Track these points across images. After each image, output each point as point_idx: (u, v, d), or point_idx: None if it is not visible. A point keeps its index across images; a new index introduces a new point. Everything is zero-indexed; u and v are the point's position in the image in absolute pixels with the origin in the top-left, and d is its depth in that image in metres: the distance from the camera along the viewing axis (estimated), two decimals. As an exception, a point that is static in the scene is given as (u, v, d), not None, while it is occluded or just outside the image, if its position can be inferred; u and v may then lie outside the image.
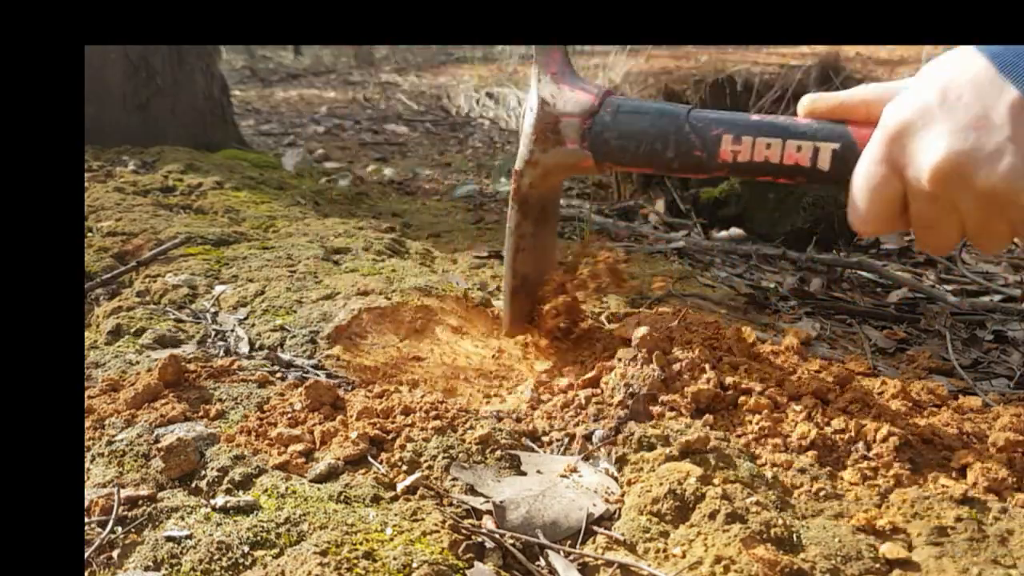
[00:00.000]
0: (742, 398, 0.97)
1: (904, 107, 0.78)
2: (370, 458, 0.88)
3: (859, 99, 0.87)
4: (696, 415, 0.95)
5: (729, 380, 0.99)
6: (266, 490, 0.82)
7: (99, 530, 0.77)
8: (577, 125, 1.00)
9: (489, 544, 0.76)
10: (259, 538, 0.74)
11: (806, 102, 0.91)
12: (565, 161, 1.03)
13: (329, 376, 1.12)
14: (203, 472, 0.86)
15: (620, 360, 1.02)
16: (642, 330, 1.03)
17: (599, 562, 0.74)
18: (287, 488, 0.82)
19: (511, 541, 0.77)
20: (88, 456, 0.89)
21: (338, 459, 0.87)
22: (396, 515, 0.78)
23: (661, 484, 0.81)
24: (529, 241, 1.10)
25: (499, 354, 1.24)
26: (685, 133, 0.94)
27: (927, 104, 0.75)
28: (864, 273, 2.04)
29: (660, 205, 2.62)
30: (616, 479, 0.87)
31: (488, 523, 0.80)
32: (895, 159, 0.78)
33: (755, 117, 0.93)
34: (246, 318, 1.32)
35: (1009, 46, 0.71)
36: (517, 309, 1.16)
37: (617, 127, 0.99)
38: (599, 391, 1.01)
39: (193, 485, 0.85)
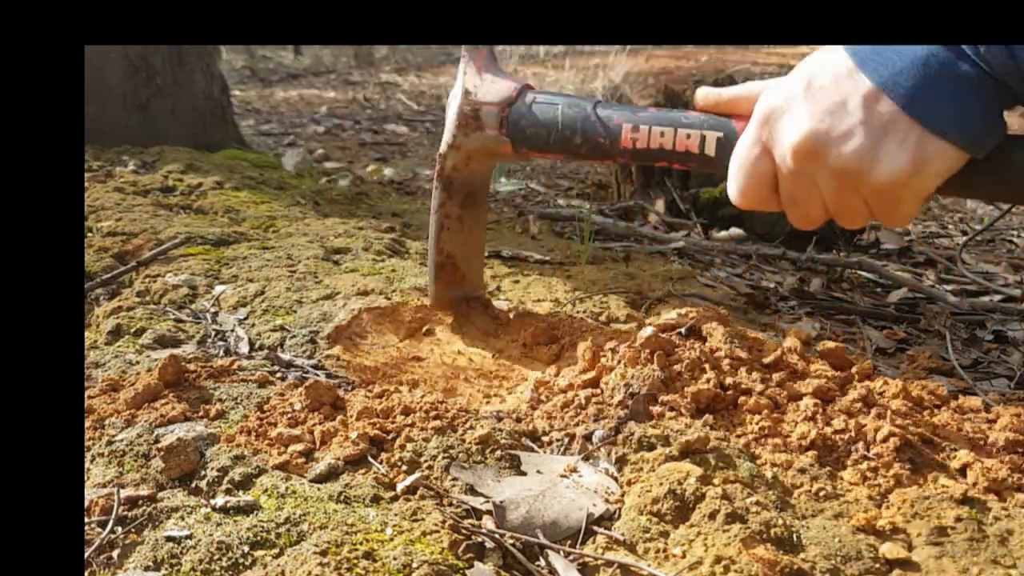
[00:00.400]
0: (742, 398, 0.97)
1: (775, 94, 0.88)
2: (370, 458, 0.88)
3: (742, 94, 0.97)
4: (696, 415, 0.95)
5: (729, 380, 0.99)
6: (266, 490, 0.82)
7: (99, 530, 0.77)
8: (496, 113, 1.10)
9: (489, 544, 0.76)
10: (259, 538, 0.74)
11: (699, 96, 1.01)
12: (485, 146, 1.12)
13: (329, 376, 1.12)
14: (203, 472, 0.86)
15: (620, 360, 1.02)
16: (647, 331, 1.03)
17: (599, 562, 0.74)
18: (287, 488, 0.82)
19: (511, 541, 0.77)
20: (88, 456, 0.89)
21: (338, 459, 0.87)
22: (396, 515, 0.78)
23: (661, 484, 0.81)
24: (454, 222, 1.18)
25: (499, 354, 1.24)
26: (591, 123, 1.05)
27: (793, 91, 0.85)
28: (864, 273, 2.04)
29: (660, 205, 2.62)
30: (616, 479, 0.87)
31: (488, 523, 0.80)
32: (765, 139, 0.88)
33: (652, 110, 1.04)
34: (246, 318, 1.32)
35: (869, 45, 0.80)
36: (442, 284, 1.23)
37: (532, 116, 1.09)
38: (599, 391, 1.01)
39: (193, 485, 0.85)
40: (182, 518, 0.78)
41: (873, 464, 0.87)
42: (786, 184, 0.88)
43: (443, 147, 1.15)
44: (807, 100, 0.83)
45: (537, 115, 1.09)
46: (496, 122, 1.10)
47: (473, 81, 1.13)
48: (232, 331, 1.27)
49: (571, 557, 0.76)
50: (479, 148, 1.13)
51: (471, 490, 0.84)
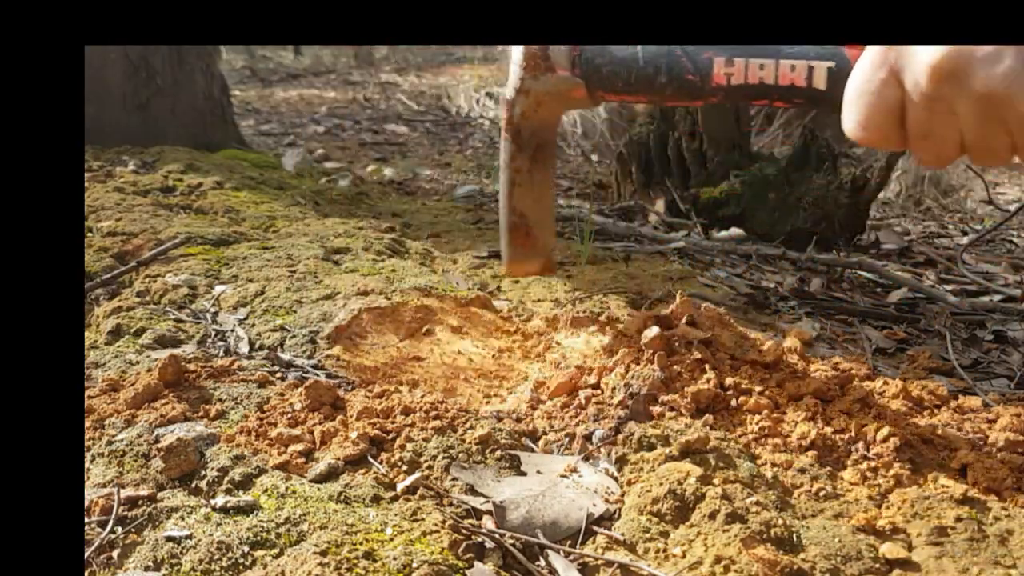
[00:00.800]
0: (742, 398, 0.97)
1: None
2: (370, 458, 0.88)
3: None
4: (696, 415, 0.95)
5: (729, 380, 0.99)
6: (266, 490, 0.82)
7: (99, 530, 0.77)
8: (567, 52, 0.99)
9: (489, 544, 0.76)
10: (259, 538, 0.74)
11: None
12: (556, 88, 1.01)
13: (329, 376, 1.12)
14: (203, 472, 0.86)
15: (622, 360, 1.02)
16: (653, 331, 1.03)
17: (599, 562, 0.74)
18: (287, 488, 0.82)
19: (511, 541, 0.77)
20: (88, 456, 0.89)
21: (338, 459, 0.87)
22: (396, 515, 0.78)
23: (661, 484, 0.81)
24: (525, 176, 1.07)
25: (499, 354, 1.24)
26: (677, 57, 0.94)
27: None
28: (864, 273, 2.05)
29: (660, 205, 2.62)
30: (616, 479, 0.87)
31: (488, 523, 0.80)
32: (893, 62, 0.76)
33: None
34: (246, 318, 1.32)
35: None
36: (517, 246, 1.11)
37: (608, 53, 0.97)
38: (599, 391, 1.01)
39: (193, 485, 0.85)
40: (182, 518, 0.78)
41: (873, 464, 0.87)
42: (917, 114, 0.77)
43: (509, 92, 1.03)
44: None
45: (614, 52, 0.97)
46: (567, 61, 0.99)
47: None
48: (232, 331, 1.27)
49: (571, 557, 0.76)
50: (550, 92, 1.01)
51: (471, 490, 0.84)
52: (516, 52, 1.02)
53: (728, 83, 0.92)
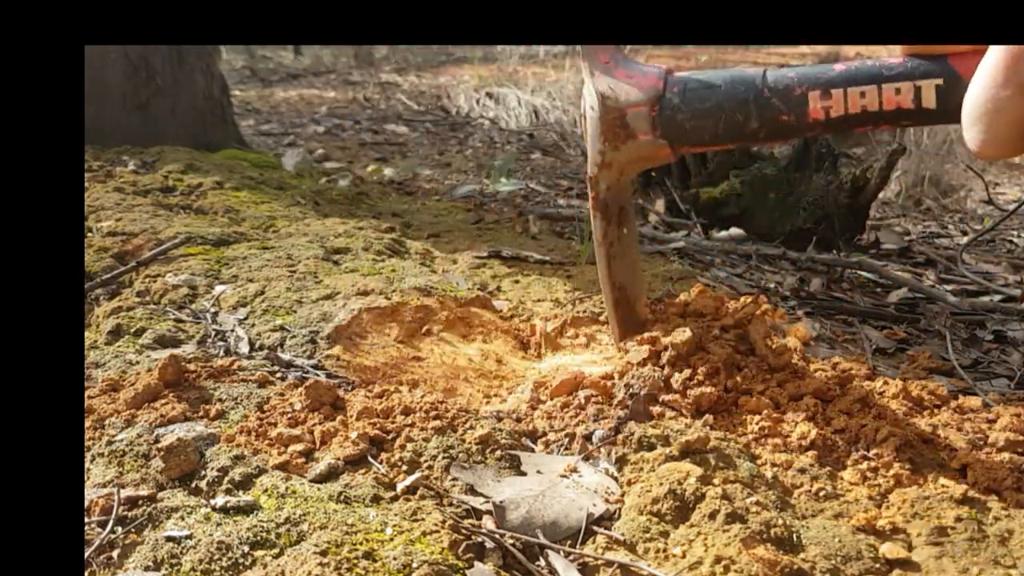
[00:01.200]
0: (742, 398, 0.97)
1: None
2: (370, 458, 0.88)
3: None
4: (696, 415, 0.95)
5: (730, 381, 0.99)
6: (266, 490, 0.82)
7: (99, 530, 0.77)
8: (645, 114, 0.93)
9: (489, 544, 0.76)
10: (259, 538, 0.74)
11: None
12: (639, 155, 0.96)
13: (329, 376, 1.12)
14: (203, 472, 0.86)
15: (631, 360, 1.02)
16: (686, 333, 1.01)
17: (599, 562, 0.74)
18: (287, 488, 0.82)
19: (511, 541, 0.77)
20: (88, 456, 0.89)
21: (338, 459, 0.87)
22: (396, 515, 0.78)
23: (661, 484, 0.81)
24: (618, 248, 1.03)
25: (499, 354, 1.24)
26: (765, 99, 0.88)
27: None
28: (864, 273, 2.05)
29: (660, 205, 2.62)
30: (616, 479, 0.87)
31: (488, 523, 0.80)
32: (1021, 79, 0.73)
33: (838, 66, 0.87)
34: (246, 318, 1.32)
35: None
36: (623, 321, 1.08)
37: (689, 107, 0.92)
38: (599, 391, 1.01)
39: (193, 485, 0.85)
40: (182, 518, 0.78)
41: (873, 464, 0.87)
42: None
43: (591, 169, 0.99)
44: None
45: (695, 104, 0.92)
46: (648, 124, 0.94)
47: (607, 83, 0.95)
48: (232, 331, 1.27)
49: (571, 557, 0.76)
50: (632, 159, 0.97)
51: (471, 490, 0.84)
52: (591, 126, 0.97)
53: (827, 117, 0.86)
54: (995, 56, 0.75)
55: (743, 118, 0.90)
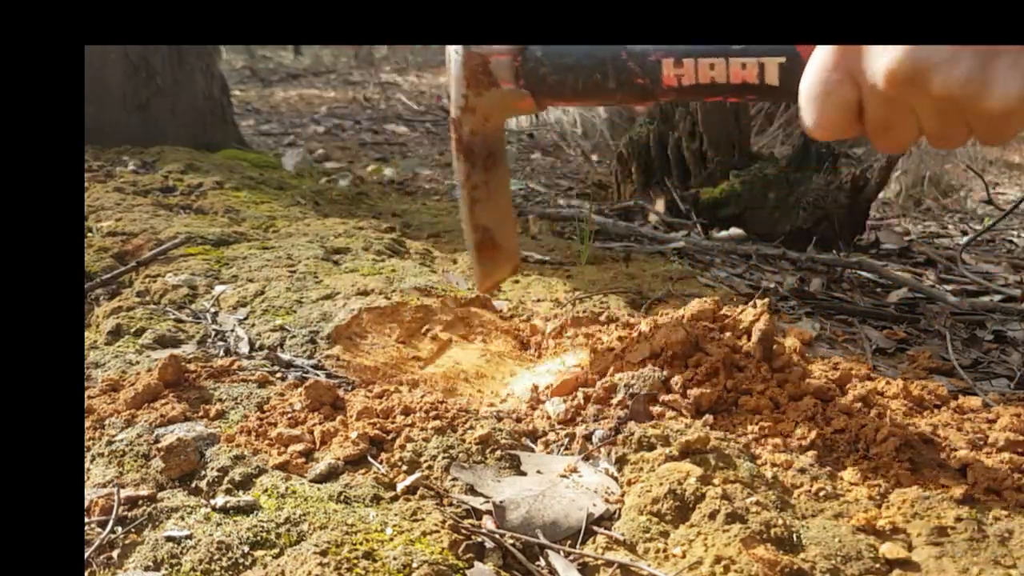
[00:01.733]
0: (742, 398, 0.97)
1: None
2: (370, 458, 0.88)
3: None
4: (696, 415, 0.95)
5: (729, 381, 0.99)
6: (266, 490, 0.82)
7: (99, 530, 0.77)
8: (508, 63, 0.95)
9: (489, 544, 0.76)
10: (259, 538, 0.74)
11: None
12: (503, 103, 0.98)
13: (329, 376, 1.12)
14: (203, 472, 0.86)
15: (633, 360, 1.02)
16: (679, 332, 1.02)
17: (599, 562, 0.74)
18: (287, 488, 0.82)
19: (511, 541, 0.77)
20: (88, 456, 0.89)
21: (338, 459, 0.87)
22: (396, 515, 0.78)
23: (661, 484, 0.81)
24: (483, 191, 1.04)
25: (498, 354, 1.24)
26: (623, 61, 0.91)
27: None
28: (864, 273, 2.05)
29: (660, 205, 2.62)
30: (616, 479, 0.87)
31: (488, 523, 0.80)
32: (848, 65, 0.78)
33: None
34: (246, 318, 1.32)
35: None
36: (486, 263, 1.09)
37: (551, 60, 0.94)
38: (599, 391, 1.01)
39: (193, 485, 0.85)
40: (182, 518, 0.78)
41: (873, 464, 0.87)
42: (877, 112, 0.79)
43: (454, 111, 1.00)
44: None
45: (557, 58, 0.94)
46: (511, 74, 0.95)
47: None
48: (232, 331, 1.27)
49: (571, 557, 0.76)
50: (496, 106, 0.98)
51: (471, 490, 0.84)
52: (454, 69, 0.98)
53: (679, 84, 0.90)
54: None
55: (601, 77, 0.92)
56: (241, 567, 0.71)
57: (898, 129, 0.79)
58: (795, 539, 0.76)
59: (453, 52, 0.98)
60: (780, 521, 0.77)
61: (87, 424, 0.94)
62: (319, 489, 0.82)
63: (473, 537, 0.77)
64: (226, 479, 0.84)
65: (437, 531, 0.75)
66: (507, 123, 1.04)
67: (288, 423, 0.94)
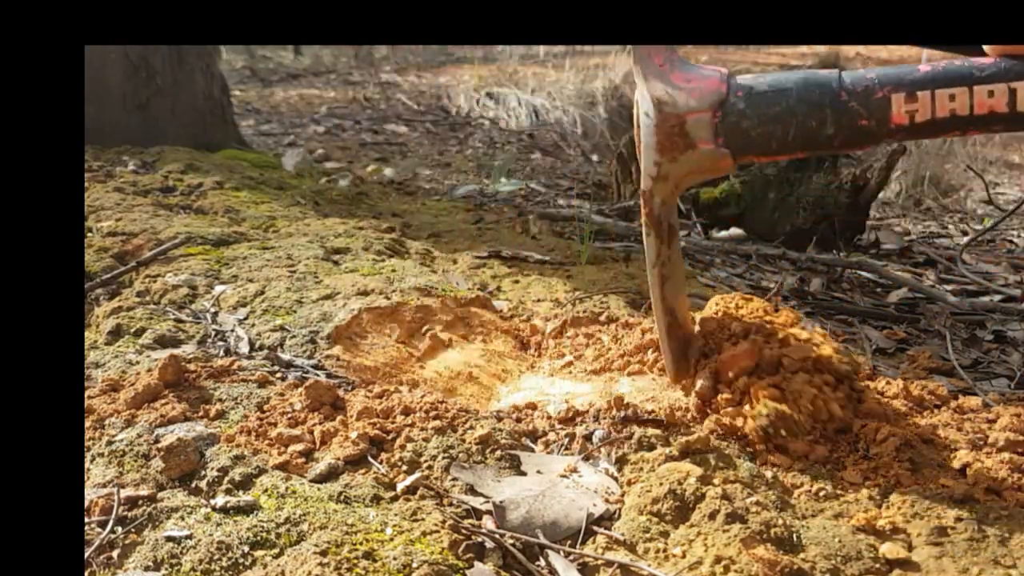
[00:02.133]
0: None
1: None
2: (370, 458, 0.88)
3: None
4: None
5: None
6: (266, 490, 0.82)
7: (99, 530, 0.77)
8: (707, 121, 0.85)
9: (489, 544, 0.76)
10: (259, 538, 0.74)
11: None
12: (699, 166, 0.87)
13: (329, 376, 1.12)
14: (203, 472, 0.86)
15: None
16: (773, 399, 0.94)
17: (599, 562, 0.74)
18: (287, 488, 0.82)
19: (511, 541, 0.77)
20: (88, 456, 0.89)
21: (338, 459, 0.87)
22: (396, 515, 0.78)
23: (661, 484, 0.81)
24: (669, 268, 0.93)
25: (498, 354, 1.23)
26: (843, 102, 0.81)
27: None
28: (864, 273, 2.05)
29: (660, 205, 2.62)
30: (616, 479, 0.87)
31: (488, 523, 0.80)
32: None
33: (924, 67, 0.80)
34: (246, 318, 1.31)
35: None
36: (676, 348, 0.98)
37: (756, 111, 0.84)
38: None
39: (193, 485, 0.85)
40: (182, 518, 0.78)
41: (873, 464, 0.87)
42: None
43: (645, 182, 0.90)
44: None
45: (762, 108, 0.83)
46: (709, 133, 0.85)
47: (662, 88, 0.86)
48: (232, 331, 1.27)
49: (571, 557, 0.76)
50: (691, 171, 0.88)
51: (471, 490, 0.84)
52: (645, 135, 0.88)
53: (911, 121, 0.80)
54: None
55: (817, 124, 0.83)
56: (241, 567, 0.71)
57: None
58: (795, 539, 0.76)
59: (644, 116, 0.88)
60: (780, 521, 0.77)
61: (87, 424, 0.94)
62: (319, 489, 0.82)
63: (473, 537, 0.77)
64: (226, 479, 0.84)
65: (437, 531, 0.75)
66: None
67: (288, 423, 0.94)
